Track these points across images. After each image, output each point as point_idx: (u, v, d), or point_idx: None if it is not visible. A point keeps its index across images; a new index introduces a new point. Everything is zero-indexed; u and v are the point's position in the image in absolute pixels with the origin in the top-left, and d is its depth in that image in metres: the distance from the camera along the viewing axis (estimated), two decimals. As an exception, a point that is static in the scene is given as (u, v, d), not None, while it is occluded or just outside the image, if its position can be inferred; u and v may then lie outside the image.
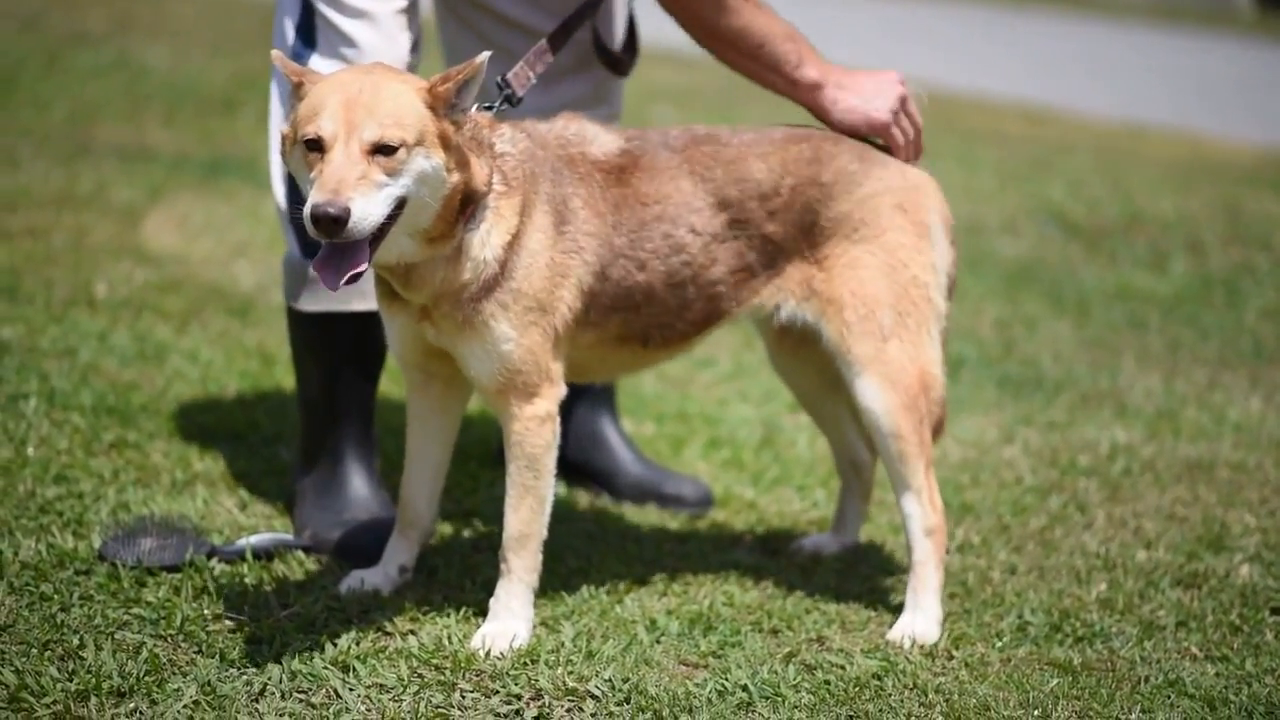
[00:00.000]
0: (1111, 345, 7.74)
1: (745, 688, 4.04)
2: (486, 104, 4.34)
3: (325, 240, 3.80)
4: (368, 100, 3.87)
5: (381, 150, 3.84)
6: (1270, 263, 9.71)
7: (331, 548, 4.68)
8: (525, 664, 4.06)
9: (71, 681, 3.77)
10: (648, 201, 4.35)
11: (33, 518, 4.62)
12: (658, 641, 4.28)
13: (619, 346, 4.42)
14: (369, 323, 4.67)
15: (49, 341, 6.07)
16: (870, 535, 5.19)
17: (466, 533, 4.96)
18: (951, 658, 4.35)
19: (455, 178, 3.99)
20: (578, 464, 5.39)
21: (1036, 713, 4.04)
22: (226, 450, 5.33)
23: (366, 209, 3.79)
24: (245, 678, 3.89)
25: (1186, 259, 9.72)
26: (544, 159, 4.25)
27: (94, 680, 3.76)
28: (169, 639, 4.05)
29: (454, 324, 4.15)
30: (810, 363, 4.75)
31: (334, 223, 3.74)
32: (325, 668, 3.96)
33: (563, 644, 4.19)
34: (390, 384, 5.63)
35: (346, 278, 3.82)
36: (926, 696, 4.09)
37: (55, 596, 4.17)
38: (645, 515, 5.26)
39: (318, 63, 4.58)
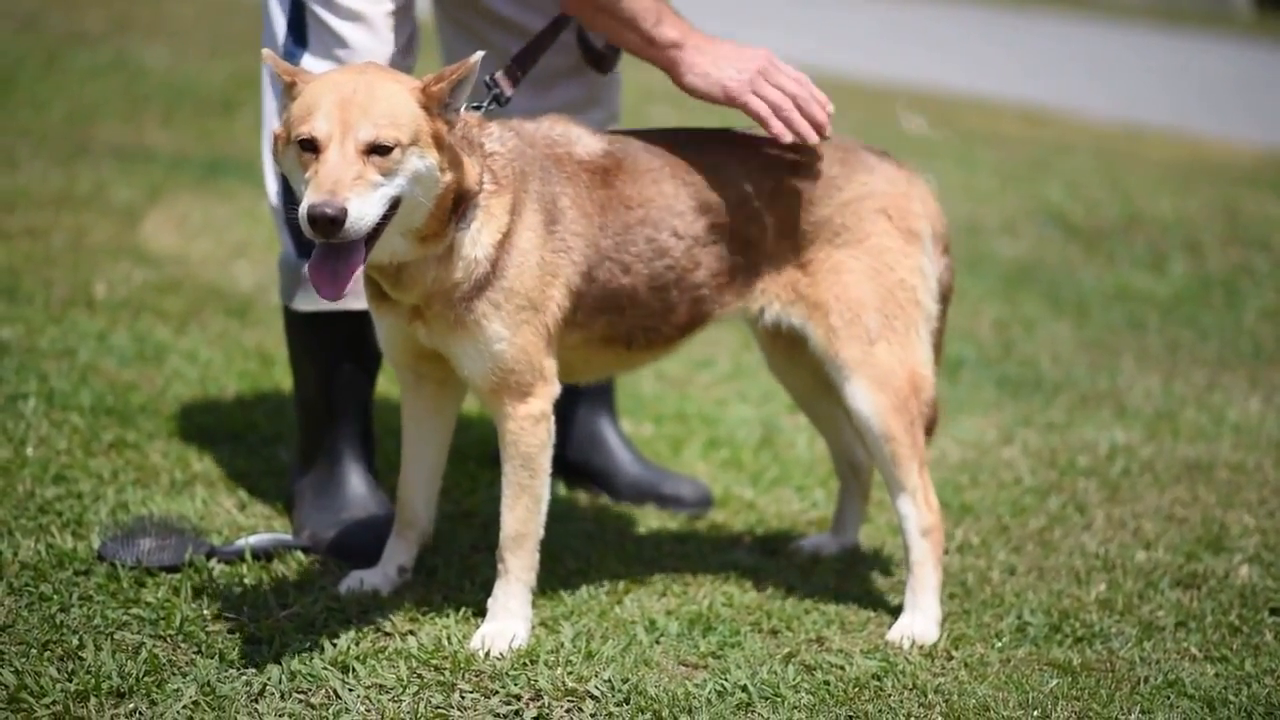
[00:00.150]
0: (1110, 346, 7.74)
1: (745, 688, 4.04)
2: (475, 104, 4.33)
3: (321, 241, 3.80)
4: (362, 100, 3.87)
5: (376, 150, 3.84)
6: (1269, 263, 9.72)
7: (326, 547, 4.68)
8: (525, 664, 4.06)
9: (71, 682, 3.76)
10: (631, 205, 4.35)
11: (32, 518, 4.61)
12: (657, 642, 4.28)
13: (604, 348, 4.41)
14: (366, 322, 4.66)
15: (48, 342, 6.07)
16: (870, 536, 5.19)
17: (465, 533, 4.96)
18: (951, 658, 4.35)
19: (448, 177, 3.99)
20: (577, 464, 5.39)
21: (1036, 713, 4.04)
22: (225, 450, 5.33)
23: (363, 209, 3.78)
24: (245, 678, 3.88)
25: (1185, 260, 9.72)
26: (533, 157, 4.25)
27: (93, 680, 3.76)
28: (168, 639, 4.05)
29: (446, 324, 4.14)
30: (804, 365, 4.74)
31: (331, 223, 3.74)
32: (325, 668, 3.95)
33: (562, 644, 4.19)
34: (389, 384, 5.62)
35: (343, 285, 3.82)
36: (926, 697, 4.09)
37: (55, 597, 4.17)
38: (644, 516, 5.26)
39: (310, 62, 4.58)
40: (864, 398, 4.46)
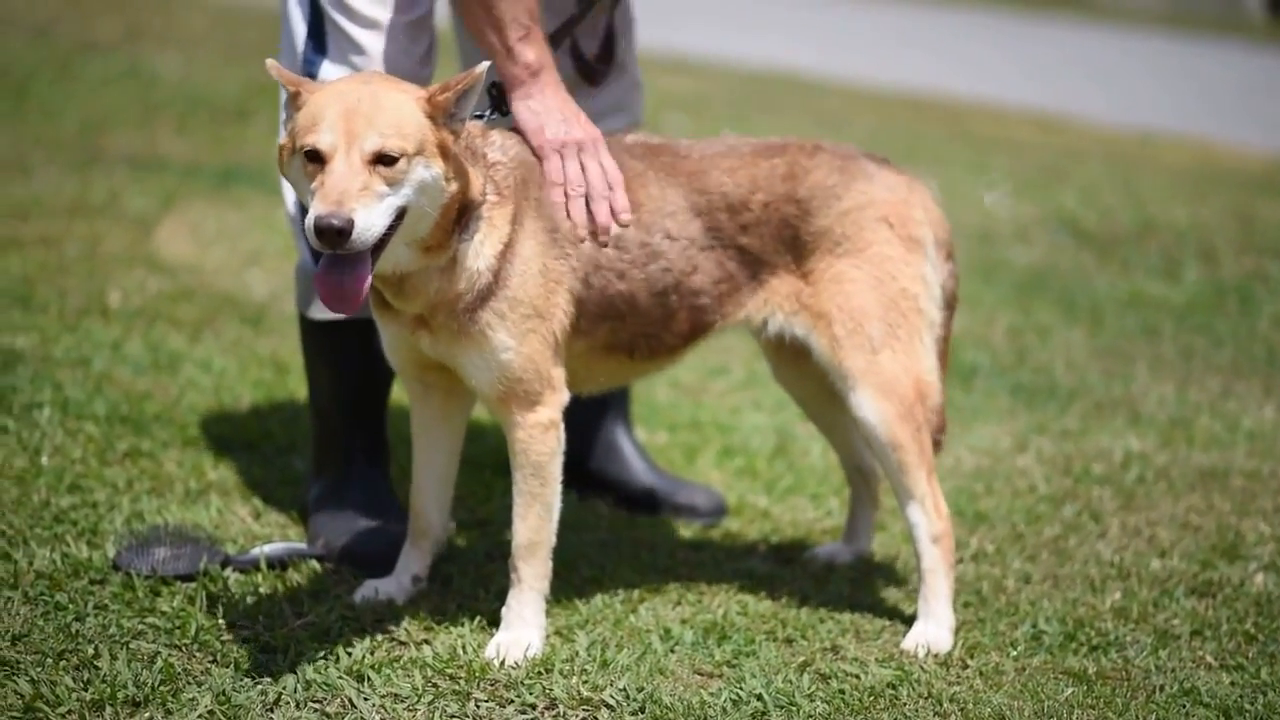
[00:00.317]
0: (1125, 353, 7.73)
1: (760, 697, 4.04)
2: (477, 113, 4.33)
3: (329, 252, 3.80)
4: (368, 110, 3.86)
5: (382, 160, 3.84)
6: (1283, 270, 9.71)
7: (338, 554, 4.68)
8: (540, 673, 4.07)
9: (86, 691, 3.77)
10: (641, 208, 4.35)
11: (47, 527, 4.62)
12: (672, 651, 4.28)
13: (607, 356, 4.41)
14: (381, 331, 4.67)
15: (62, 351, 6.08)
16: (884, 544, 5.19)
17: (480, 542, 4.96)
18: (966, 667, 4.35)
19: (454, 187, 3.99)
20: (591, 473, 5.38)
21: (1051, 722, 4.04)
22: (240, 459, 5.34)
23: (369, 220, 3.78)
24: (260, 687, 3.89)
25: (1199, 267, 9.71)
26: (534, 165, 4.25)
27: (109, 690, 3.77)
28: (184, 648, 4.05)
29: (451, 334, 4.15)
30: (809, 374, 4.73)
31: (338, 234, 3.73)
32: (340, 677, 3.96)
33: (577, 653, 4.19)
34: (401, 391, 5.62)
35: (354, 299, 3.82)
36: (941, 706, 4.09)
37: (70, 606, 4.18)
38: (659, 524, 5.26)
39: (329, 69, 4.58)
40: (869, 407, 4.45)
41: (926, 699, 4.13)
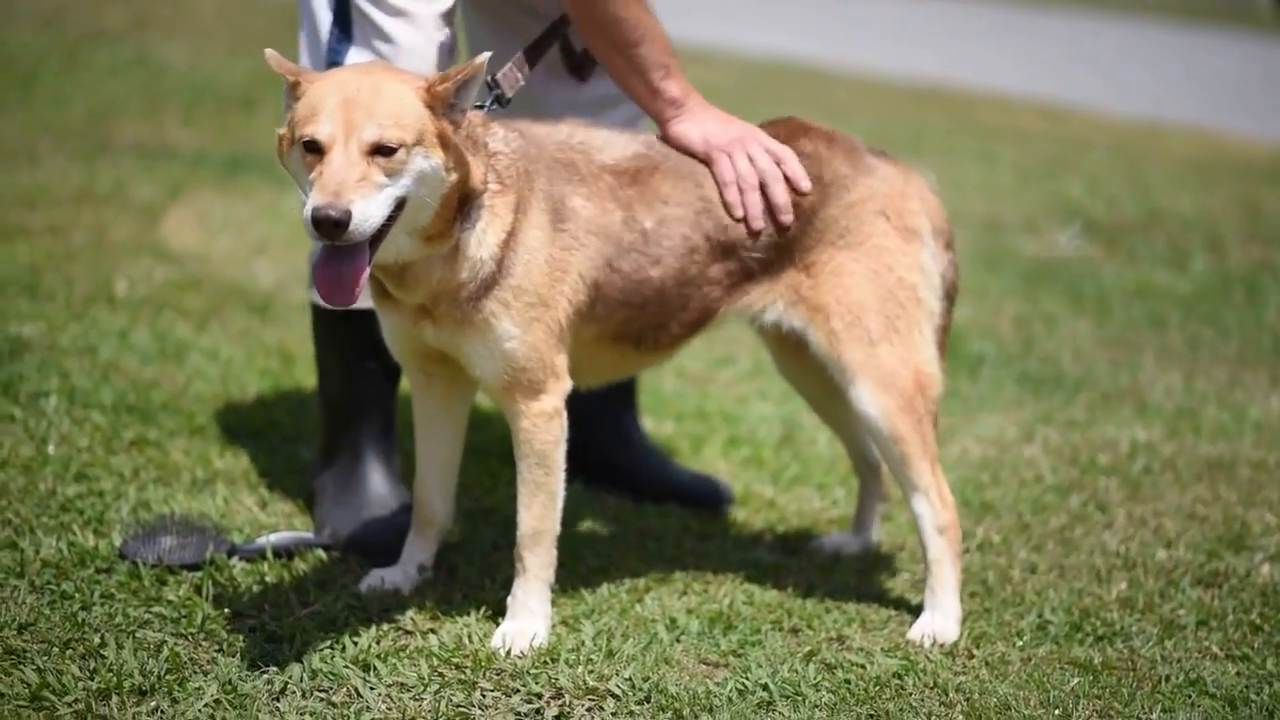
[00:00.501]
0: (1131, 343, 7.73)
1: (766, 686, 4.04)
2: (478, 104, 4.33)
3: (326, 243, 3.79)
4: (366, 100, 3.85)
5: (381, 151, 3.82)
6: (1290, 260, 9.71)
7: (350, 544, 4.69)
8: (545, 663, 4.07)
9: (93, 680, 3.77)
10: (668, 201, 4.35)
11: (54, 516, 4.62)
12: (678, 640, 4.28)
13: (611, 346, 4.41)
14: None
15: (69, 339, 6.08)
16: (891, 534, 5.19)
17: (486, 530, 4.96)
18: (972, 656, 4.35)
19: (454, 177, 3.98)
20: (598, 463, 5.38)
21: (1057, 712, 4.04)
22: (247, 448, 5.34)
23: (367, 210, 3.77)
24: (266, 676, 3.89)
25: (1206, 257, 9.71)
26: (538, 157, 4.25)
27: (115, 679, 3.77)
28: (190, 637, 4.05)
29: (454, 323, 4.14)
30: (813, 367, 4.73)
31: (335, 225, 3.72)
32: (346, 666, 3.96)
33: (583, 643, 4.19)
34: (405, 380, 5.63)
35: (351, 291, 3.81)
36: (947, 695, 4.09)
37: (76, 595, 4.18)
38: (665, 514, 5.26)
39: (355, 56, 4.57)
40: (869, 400, 4.45)
41: (932, 689, 4.13)
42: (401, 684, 3.93)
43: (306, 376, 6.02)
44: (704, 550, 4.97)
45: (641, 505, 5.32)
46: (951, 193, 4.74)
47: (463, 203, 4.05)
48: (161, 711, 3.70)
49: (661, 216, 4.34)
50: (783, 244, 4.45)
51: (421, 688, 3.92)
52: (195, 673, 3.87)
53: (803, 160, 4.47)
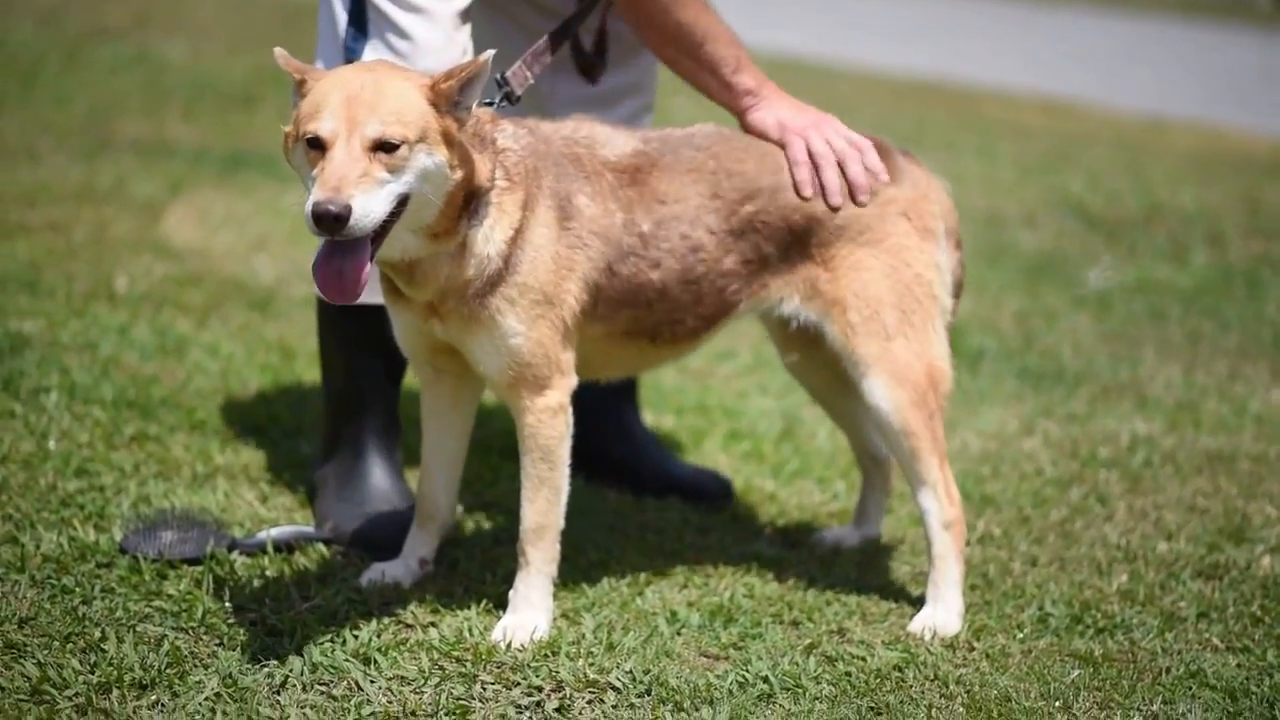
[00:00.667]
0: (1132, 337, 7.73)
1: (766, 679, 4.04)
2: (487, 100, 4.33)
3: (327, 238, 3.79)
4: (369, 97, 3.85)
5: (383, 147, 3.82)
6: (1291, 254, 9.71)
7: (349, 538, 4.69)
8: (546, 656, 4.07)
9: (93, 674, 3.77)
10: (666, 200, 4.35)
11: (54, 511, 4.63)
12: (678, 633, 4.29)
13: (627, 342, 4.41)
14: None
15: (70, 335, 6.08)
16: (891, 527, 5.19)
17: (487, 525, 4.96)
18: (973, 649, 4.35)
19: (458, 174, 3.97)
20: (599, 457, 5.38)
21: (1058, 704, 4.04)
22: (247, 443, 5.34)
23: (368, 206, 3.77)
24: (267, 670, 3.89)
25: (1206, 251, 9.71)
26: (546, 154, 4.24)
27: (116, 673, 3.77)
28: (190, 631, 4.05)
29: (461, 319, 4.14)
30: (820, 360, 4.74)
31: (335, 221, 3.72)
32: (346, 660, 3.96)
33: (583, 636, 4.19)
34: (414, 376, 5.63)
35: (352, 289, 3.81)
36: (948, 688, 4.09)
37: (77, 589, 4.18)
38: (666, 508, 5.26)
39: (371, 52, 4.57)
40: (883, 394, 4.46)
41: (933, 681, 4.13)
42: (402, 677, 3.93)
43: (307, 371, 6.02)
44: (704, 544, 4.97)
45: (642, 499, 5.32)
46: (952, 187, 4.73)
47: (469, 200, 4.05)
48: (162, 705, 3.70)
49: (659, 218, 4.34)
50: (802, 237, 4.46)
51: (422, 681, 3.92)
52: (196, 666, 3.88)
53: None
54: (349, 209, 3.72)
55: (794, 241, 4.46)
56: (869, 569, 4.86)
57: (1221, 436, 6.26)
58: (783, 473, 5.63)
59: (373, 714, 3.77)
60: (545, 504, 4.27)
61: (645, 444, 5.45)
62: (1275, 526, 5.32)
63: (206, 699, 3.73)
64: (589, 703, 3.91)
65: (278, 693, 3.82)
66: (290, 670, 3.89)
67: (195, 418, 5.47)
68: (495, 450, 5.50)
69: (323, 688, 3.87)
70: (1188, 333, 7.87)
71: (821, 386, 4.94)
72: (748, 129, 4.57)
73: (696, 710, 3.89)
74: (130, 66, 12.09)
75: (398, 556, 4.53)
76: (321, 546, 4.66)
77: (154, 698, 3.72)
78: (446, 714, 3.80)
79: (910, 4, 26.40)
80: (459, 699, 3.86)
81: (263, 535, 4.60)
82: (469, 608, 4.32)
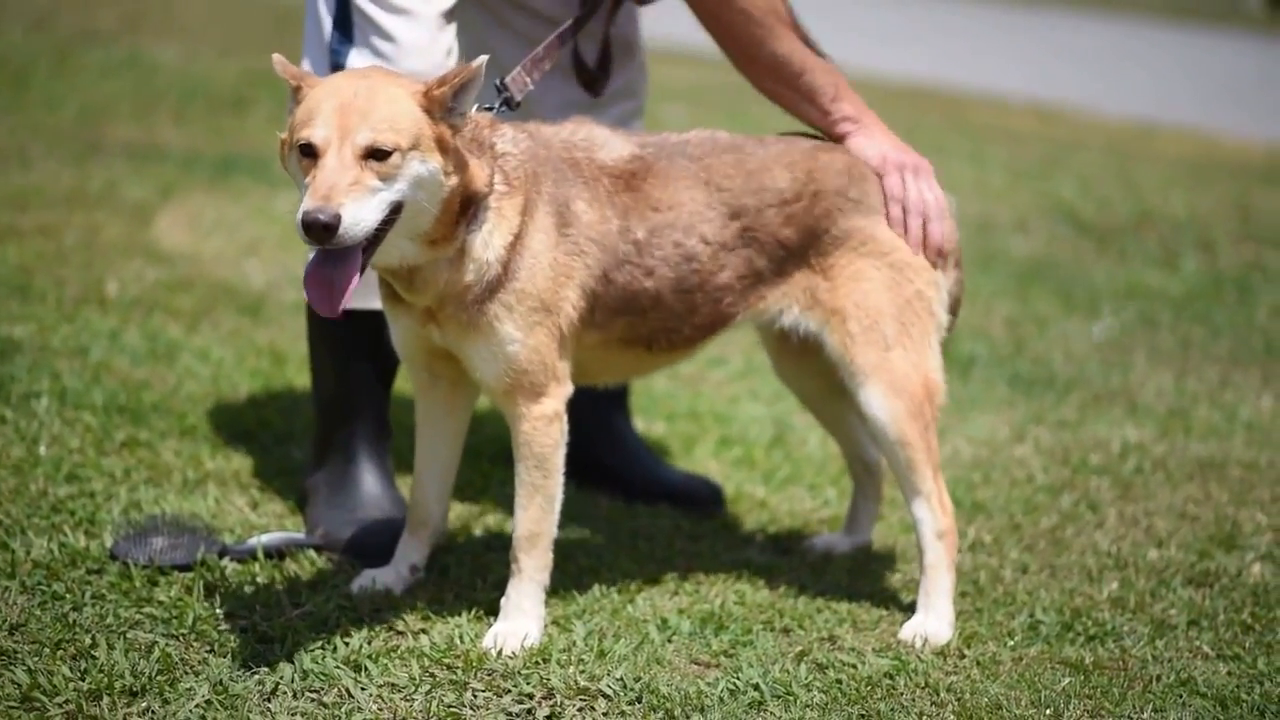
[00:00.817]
0: (1122, 344, 7.74)
1: (757, 686, 4.04)
2: (486, 106, 4.33)
3: (317, 246, 3.79)
4: (362, 105, 3.84)
5: (375, 155, 3.81)
6: (1282, 260, 9.72)
7: (343, 546, 4.68)
8: (537, 663, 4.06)
9: (84, 681, 3.77)
10: (660, 208, 4.34)
11: (44, 517, 4.62)
12: (669, 640, 4.28)
13: (623, 349, 4.41)
14: (387, 322, 4.66)
15: (60, 340, 6.08)
16: (882, 534, 5.19)
17: (478, 531, 4.96)
18: (963, 656, 4.35)
19: (453, 181, 3.97)
20: (590, 463, 5.38)
21: (1048, 711, 4.04)
22: (238, 449, 5.33)
23: (358, 215, 3.76)
24: (257, 677, 3.89)
25: (1197, 257, 9.72)
26: (546, 159, 4.23)
27: (106, 679, 3.76)
28: (181, 638, 4.05)
29: (459, 326, 4.14)
30: (814, 368, 4.75)
31: (325, 229, 3.70)
32: (337, 667, 3.96)
33: (574, 643, 4.19)
34: (405, 382, 5.62)
35: (340, 300, 3.81)
36: (938, 695, 4.09)
37: (67, 596, 4.17)
38: (657, 514, 5.26)
39: (356, 58, 4.57)
40: (879, 404, 4.46)
41: (923, 689, 4.13)
42: (393, 684, 3.92)
43: (298, 377, 6.02)
44: (695, 550, 4.97)
45: (633, 506, 5.32)
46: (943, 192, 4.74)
47: (467, 205, 4.04)
48: (152, 712, 3.70)
49: (653, 225, 4.33)
50: (798, 249, 4.46)
51: (413, 688, 3.91)
52: (186, 673, 3.87)
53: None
54: (338, 217, 3.71)
55: (789, 255, 4.46)
56: (860, 576, 4.86)
57: (1212, 443, 6.27)
58: (774, 479, 5.63)
59: (363, 721, 3.77)
60: (539, 511, 4.26)
61: (636, 450, 5.45)
62: (1266, 534, 5.32)
63: (197, 706, 3.73)
64: (580, 710, 3.90)
65: (268, 700, 3.82)
66: (281, 677, 3.89)
67: (186, 423, 5.46)
68: (486, 457, 5.50)
69: (313, 695, 3.86)
70: (1178, 339, 7.88)
71: (812, 393, 4.95)
72: (850, 150, 4.63)
73: (687, 717, 3.88)
74: (121, 70, 12.08)
75: (389, 563, 4.53)
76: (312, 553, 4.65)
77: (144, 705, 3.72)
78: (437, 721, 3.81)
79: (901, 8, 26.42)
80: (450, 706, 3.86)
81: (253, 541, 4.59)
82: (460, 615, 4.32)
